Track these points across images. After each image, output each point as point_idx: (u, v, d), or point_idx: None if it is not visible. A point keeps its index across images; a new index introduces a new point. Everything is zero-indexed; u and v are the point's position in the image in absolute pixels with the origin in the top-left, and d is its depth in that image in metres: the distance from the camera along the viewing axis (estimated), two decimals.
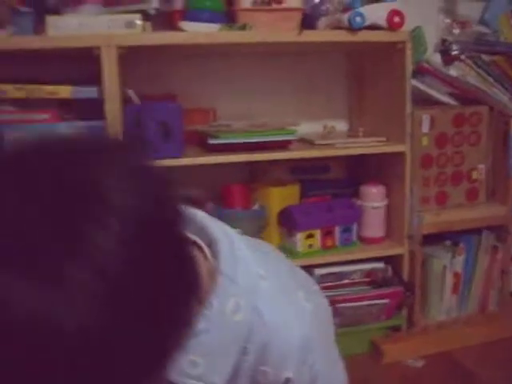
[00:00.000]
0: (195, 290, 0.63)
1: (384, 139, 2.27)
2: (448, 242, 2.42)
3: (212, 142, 2.10)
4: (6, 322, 0.47)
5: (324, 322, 0.87)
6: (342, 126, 2.58)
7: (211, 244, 0.76)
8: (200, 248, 0.76)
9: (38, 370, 0.49)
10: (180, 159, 2.03)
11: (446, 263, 2.39)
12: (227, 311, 0.73)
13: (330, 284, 2.24)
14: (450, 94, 2.45)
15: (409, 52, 2.15)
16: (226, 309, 0.72)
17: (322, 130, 2.50)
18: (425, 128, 2.27)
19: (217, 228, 0.79)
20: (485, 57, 2.44)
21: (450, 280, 2.42)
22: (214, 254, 0.75)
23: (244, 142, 2.11)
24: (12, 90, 2.02)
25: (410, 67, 2.17)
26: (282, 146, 2.19)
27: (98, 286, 0.50)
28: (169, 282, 0.57)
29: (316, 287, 0.97)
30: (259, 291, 0.76)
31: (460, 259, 2.42)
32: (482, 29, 2.64)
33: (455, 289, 2.45)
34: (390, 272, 2.32)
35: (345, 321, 2.23)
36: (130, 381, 0.56)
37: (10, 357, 0.48)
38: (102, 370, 0.52)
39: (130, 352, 0.54)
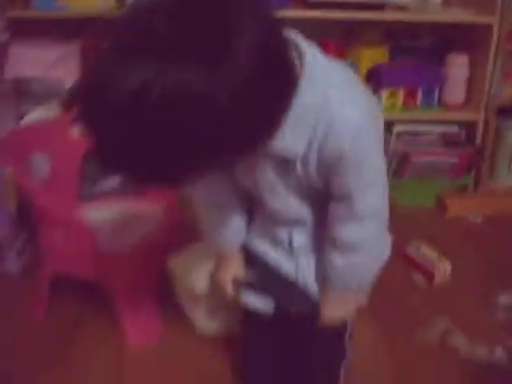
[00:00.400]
0: (294, 82, 0.92)
1: (473, 10, 2.41)
2: None
3: None
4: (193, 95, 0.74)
5: (377, 118, 1.12)
6: None
7: (301, 55, 1.02)
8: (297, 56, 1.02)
9: (201, 129, 0.78)
10: (286, 11, 2.27)
11: None
12: (307, 97, 1.00)
13: (407, 139, 2.48)
14: None
15: None
16: (307, 95, 1.00)
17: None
18: None
19: (305, 43, 1.04)
20: None
21: None
22: (302, 62, 1.01)
23: (342, 1, 2.31)
24: None
25: None
26: (377, 7, 2.38)
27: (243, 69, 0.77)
28: (280, 78, 0.87)
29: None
30: (331, 84, 1.02)
31: None
32: None
33: None
34: (463, 136, 2.53)
35: (416, 173, 2.49)
36: (253, 138, 0.86)
37: (187, 119, 0.76)
38: (239, 125, 0.81)
39: (256, 116, 0.83)
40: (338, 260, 1.14)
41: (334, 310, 1.23)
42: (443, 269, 2.00)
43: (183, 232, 1.81)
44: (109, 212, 1.81)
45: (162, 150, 0.79)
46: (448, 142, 2.52)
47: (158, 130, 0.76)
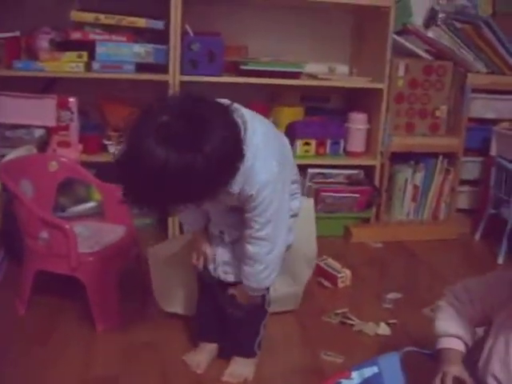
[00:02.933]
0: (242, 158, 1.46)
1: (370, 79, 3.08)
2: (411, 162, 3.24)
3: (243, 67, 2.92)
4: (177, 166, 1.30)
5: (286, 180, 1.68)
6: (343, 68, 3.38)
7: (245, 130, 1.50)
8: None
9: (188, 184, 1.34)
10: (219, 77, 2.86)
11: (408, 177, 3.22)
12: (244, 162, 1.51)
13: (318, 180, 3.08)
14: (427, 51, 3.23)
15: (392, 15, 2.93)
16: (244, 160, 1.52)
17: (328, 70, 3.30)
18: (401, 72, 3.08)
19: (249, 116, 1.58)
20: (457, 24, 3.20)
21: (410, 190, 3.25)
22: (245, 136, 1.49)
23: (266, 70, 2.93)
24: (104, 18, 2.83)
25: (392, 26, 2.96)
26: (294, 76, 3.01)
27: (211, 153, 1.33)
28: (233, 152, 1.41)
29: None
30: (257, 150, 1.55)
31: (419, 175, 3.24)
32: (465, 2, 3.40)
33: (414, 198, 3.28)
34: (364, 177, 3.15)
35: (326, 208, 3.07)
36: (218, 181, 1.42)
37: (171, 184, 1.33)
38: (214, 173, 1.36)
39: (221, 171, 1.39)
40: (244, 267, 1.70)
41: (243, 298, 1.79)
42: (345, 275, 2.54)
43: (137, 245, 2.33)
44: (83, 227, 2.30)
45: (171, 194, 1.38)
46: (351, 182, 3.12)
47: (168, 184, 1.33)
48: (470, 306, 1.49)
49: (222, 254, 1.81)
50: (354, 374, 1.46)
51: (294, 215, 1.85)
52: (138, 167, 1.32)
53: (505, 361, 1.38)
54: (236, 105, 1.55)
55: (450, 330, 1.48)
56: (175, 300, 2.14)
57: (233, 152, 1.41)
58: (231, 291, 1.81)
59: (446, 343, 1.48)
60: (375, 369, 1.44)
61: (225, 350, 1.95)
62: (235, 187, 1.54)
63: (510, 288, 1.41)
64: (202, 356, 1.94)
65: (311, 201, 2.15)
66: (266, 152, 1.58)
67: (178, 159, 1.31)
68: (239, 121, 1.47)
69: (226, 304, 1.84)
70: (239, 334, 1.90)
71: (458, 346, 1.47)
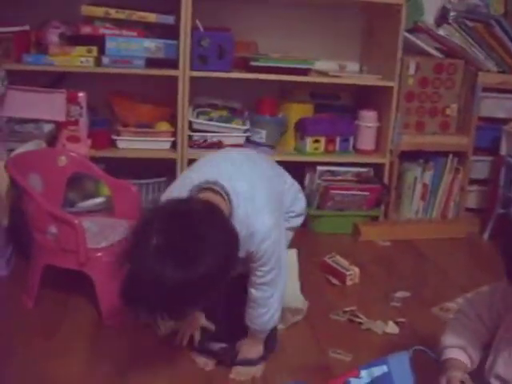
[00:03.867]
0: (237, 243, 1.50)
1: (380, 76, 3.06)
2: (421, 160, 3.22)
3: (253, 63, 2.91)
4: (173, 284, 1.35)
5: (281, 233, 1.73)
6: (353, 66, 3.36)
7: (232, 209, 1.60)
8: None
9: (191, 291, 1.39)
10: (229, 73, 2.86)
11: (417, 175, 3.21)
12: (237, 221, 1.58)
13: (327, 178, 3.07)
14: (438, 49, 3.21)
15: (404, 12, 2.92)
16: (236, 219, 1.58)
17: (338, 67, 3.29)
18: (411, 71, 3.06)
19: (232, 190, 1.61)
20: (468, 23, 3.18)
21: (419, 189, 3.24)
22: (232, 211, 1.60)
23: (276, 66, 2.92)
24: (114, 13, 2.83)
25: (403, 24, 2.94)
26: (304, 72, 2.99)
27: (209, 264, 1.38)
28: (230, 252, 1.45)
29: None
30: (249, 220, 1.60)
31: (429, 174, 3.23)
32: (476, 1, 3.38)
33: (423, 196, 3.27)
34: (373, 175, 3.14)
35: (335, 205, 3.06)
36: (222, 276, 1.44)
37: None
38: (219, 275, 1.41)
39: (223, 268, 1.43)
40: (248, 310, 1.78)
41: (248, 350, 1.87)
42: (353, 272, 2.53)
43: None
44: (91, 223, 2.30)
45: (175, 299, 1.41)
46: (360, 180, 3.11)
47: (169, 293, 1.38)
48: (478, 321, 1.49)
49: None
50: (363, 373, 1.46)
51: (300, 214, 1.94)
52: (148, 288, 1.37)
53: (509, 362, 1.37)
54: (218, 181, 1.60)
55: (456, 342, 1.49)
56: None
57: (230, 254, 1.46)
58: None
59: (451, 354, 1.49)
60: (385, 368, 1.44)
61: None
62: (241, 254, 1.59)
63: None
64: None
65: (294, 252, 2.16)
66: (257, 211, 1.64)
67: (184, 275, 1.36)
68: (224, 198, 1.58)
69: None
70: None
71: (463, 357, 1.47)
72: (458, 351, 1.48)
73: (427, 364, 1.52)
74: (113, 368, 1.87)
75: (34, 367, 1.85)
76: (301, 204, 1.99)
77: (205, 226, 1.41)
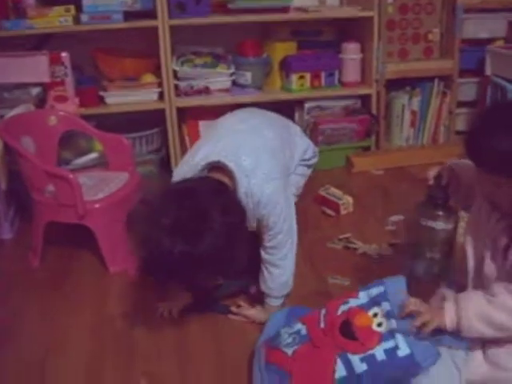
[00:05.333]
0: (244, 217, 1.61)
1: (360, 8, 3.07)
2: (407, 88, 3.25)
3: (231, 6, 2.92)
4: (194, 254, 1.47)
5: (288, 197, 1.81)
6: (334, 0, 3.35)
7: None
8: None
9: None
10: (208, 18, 2.87)
11: (405, 103, 3.24)
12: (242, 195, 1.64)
13: (315, 114, 3.10)
14: None
15: None
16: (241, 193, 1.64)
17: (318, 2, 3.29)
18: None
19: (236, 167, 1.67)
20: None
21: (408, 116, 3.27)
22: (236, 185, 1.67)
23: (255, 7, 2.93)
24: None
25: None
26: (284, 10, 3.00)
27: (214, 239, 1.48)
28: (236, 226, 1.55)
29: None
30: (254, 187, 1.67)
31: (416, 100, 3.25)
32: None
33: (412, 123, 3.30)
34: (360, 106, 3.17)
35: (326, 140, 3.11)
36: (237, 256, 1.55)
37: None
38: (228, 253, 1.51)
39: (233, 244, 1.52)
40: (263, 273, 1.83)
41: (258, 315, 1.89)
42: (347, 201, 2.59)
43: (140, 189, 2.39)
44: (86, 178, 2.36)
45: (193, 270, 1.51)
46: (349, 112, 3.14)
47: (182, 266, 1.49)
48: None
49: None
50: (361, 294, 1.51)
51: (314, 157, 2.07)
52: (162, 262, 1.49)
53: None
54: (222, 160, 1.68)
55: None
56: None
57: (237, 228, 1.57)
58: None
59: None
60: (381, 288, 1.49)
61: None
62: (252, 223, 1.72)
63: None
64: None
65: None
66: (261, 181, 1.70)
67: (193, 250, 1.47)
68: (229, 175, 1.67)
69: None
70: None
71: None
72: None
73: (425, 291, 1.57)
74: (120, 314, 1.96)
75: (46, 320, 1.95)
76: (309, 153, 2.09)
77: (210, 204, 1.52)
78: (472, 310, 1.34)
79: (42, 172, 2.14)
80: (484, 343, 1.38)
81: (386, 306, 1.43)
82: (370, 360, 1.36)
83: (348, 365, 1.37)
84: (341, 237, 2.34)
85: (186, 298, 1.96)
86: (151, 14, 2.83)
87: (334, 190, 2.66)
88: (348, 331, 1.43)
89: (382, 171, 3.11)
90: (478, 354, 1.38)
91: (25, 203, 2.48)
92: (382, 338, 1.38)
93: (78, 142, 2.70)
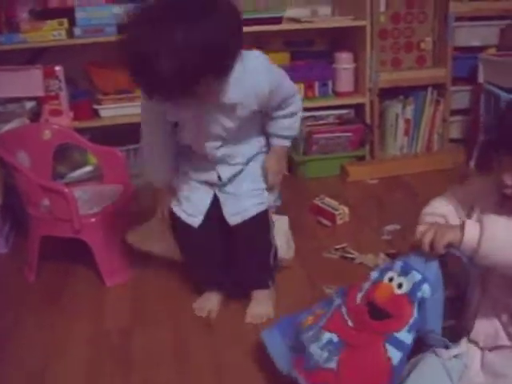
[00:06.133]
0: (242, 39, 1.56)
1: (352, 17, 3.08)
2: (401, 96, 3.26)
3: None
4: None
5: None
6: (326, 10, 3.37)
7: None
8: None
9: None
10: None
11: (399, 111, 3.25)
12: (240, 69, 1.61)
13: (310, 123, 3.11)
14: None
15: None
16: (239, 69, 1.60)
17: (310, 13, 3.31)
18: (382, 8, 3.08)
19: None
20: None
21: (401, 124, 3.28)
22: None
23: (247, 18, 2.93)
24: None
25: None
26: (276, 21, 3.01)
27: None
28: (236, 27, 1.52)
29: None
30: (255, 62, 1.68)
31: (410, 109, 3.27)
32: None
33: (406, 132, 3.31)
34: (354, 116, 3.18)
35: (321, 149, 3.11)
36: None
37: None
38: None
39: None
40: (282, 121, 1.82)
41: (275, 165, 1.85)
42: (343, 212, 2.59)
43: (134, 202, 2.42)
44: (81, 191, 2.36)
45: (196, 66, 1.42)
46: (343, 121, 3.15)
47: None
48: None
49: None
50: (372, 274, 1.41)
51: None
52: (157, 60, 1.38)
53: None
54: None
55: (437, 211, 1.49)
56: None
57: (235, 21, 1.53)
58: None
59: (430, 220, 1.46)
60: (391, 261, 1.42)
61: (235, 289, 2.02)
62: (232, 96, 1.63)
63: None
64: (211, 303, 2.00)
65: (285, 220, 2.21)
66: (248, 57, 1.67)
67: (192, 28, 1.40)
68: None
69: None
70: (249, 267, 1.96)
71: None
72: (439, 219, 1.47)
73: None
74: (117, 326, 1.96)
75: (43, 334, 1.94)
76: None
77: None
78: (499, 228, 1.25)
79: (38, 186, 2.14)
80: (482, 353, 1.38)
81: (397, 265, 1.36)
82: (412, 326, 1.30)
83: (399, 344, 1.29)
84: (337, 247, 2.34)
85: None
86: None
87: (329, 200, 2.67)
88: (377, 312, 1.34)
89: (376, 180, 3.11)
90: (475, 364, 1.37)
91: (20, 218, 2.48)
92: (410, 296, 1.30)
93: (72, 155, 2.70)
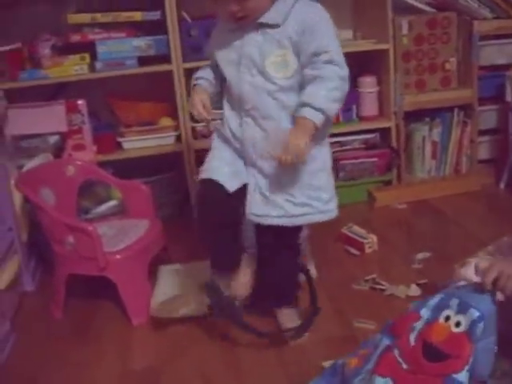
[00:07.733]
0: None
1: (374, 40, 3.05)
2: (427, 119, 3.20)
3: None
4: None
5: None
6: (347, 34, 3.34)
7: None
8: None
9: None
10: None
11: (425, 134, 3.19)
12: None
13: (335, 149, 3.06)
14: (429, 4, 3.18)
15: None
16: None
17: None
18: (404, 30, 3.03)
19: None
20: None
21: (428, 147, 3.22)
22: None
23: None
24: (100, 17, 2.84)
25: None
26: None
27: None
28: None
29: None
30: None
31: (436, 131, 3.20)
32: None
33: (434, 154, 3.25)
34: (380, 140, 3.13)
35: (347, 175, 3.07)
36: None
37: None
38: None
39: None
40: (314, 85, 1.74)
41: (298, 137, 1.68)
42: (371, 240, 2.54)
43: (163, 237, 2.36)
44: (107, 227, 2.34)
45: None
46: (368, 146, 3.10)
47: None
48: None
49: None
50: (423, 312, 1.37)
51: None
52: None
53: None
54: None
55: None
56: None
57: None
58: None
59: None
60: (440, 295, 1.38)
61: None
62: (277, 17, 1.70)
63: None
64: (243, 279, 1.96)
65: None
66: None
67: None
68: None
69: None
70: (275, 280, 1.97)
71: None
72: None
73: None
74: (146, 367, 1.93)
75: (72, 371, 1.92)
76: None
77: None
78: None
79: (62, 224, 2.12)
80: None
81: (454, 302, 1.32)
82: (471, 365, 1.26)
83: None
84: (367, 278, 2.28)
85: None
86: (165, 58, 2.83)
87: (357, 228, 2.61)
88: (434, 354, 1.30)
89: (404, 205, 3.05)
90: None
91: (46, 255, 2.46)
92: (470, 335, 1.26)
93: (96, 190, 2.69)
